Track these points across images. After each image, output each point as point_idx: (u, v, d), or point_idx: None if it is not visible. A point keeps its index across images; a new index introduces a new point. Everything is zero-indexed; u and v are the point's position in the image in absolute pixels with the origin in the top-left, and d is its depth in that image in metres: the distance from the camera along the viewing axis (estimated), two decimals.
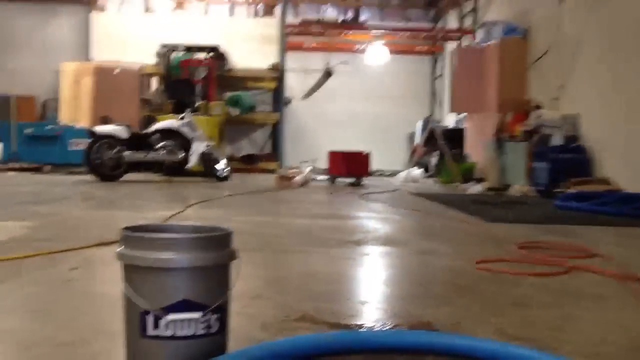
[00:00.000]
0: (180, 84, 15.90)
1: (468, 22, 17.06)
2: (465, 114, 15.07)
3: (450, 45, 18.30)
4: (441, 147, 13.46)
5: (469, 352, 2.27)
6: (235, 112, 17.17)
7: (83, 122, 17.23)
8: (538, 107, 11.39)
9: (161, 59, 17.63)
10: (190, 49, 16.97)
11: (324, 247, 4.39)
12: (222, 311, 2.19)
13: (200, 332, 2.13)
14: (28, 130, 14.31)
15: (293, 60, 20.86)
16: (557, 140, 10.47)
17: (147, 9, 20.49)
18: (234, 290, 2.32)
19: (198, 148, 11.93)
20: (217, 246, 2.20)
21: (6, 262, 3.92)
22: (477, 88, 13.76)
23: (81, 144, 13.33)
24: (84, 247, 4.44)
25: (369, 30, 21.30)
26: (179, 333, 2.11)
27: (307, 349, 2.34)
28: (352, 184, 12.35)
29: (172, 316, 2.09)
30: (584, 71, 10.67)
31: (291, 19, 21.23)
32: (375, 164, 14.99)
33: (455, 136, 15.06)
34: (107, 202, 7.97)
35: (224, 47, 18.14)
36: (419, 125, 18.45)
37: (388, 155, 19.82)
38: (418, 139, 17.57)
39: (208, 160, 12.13)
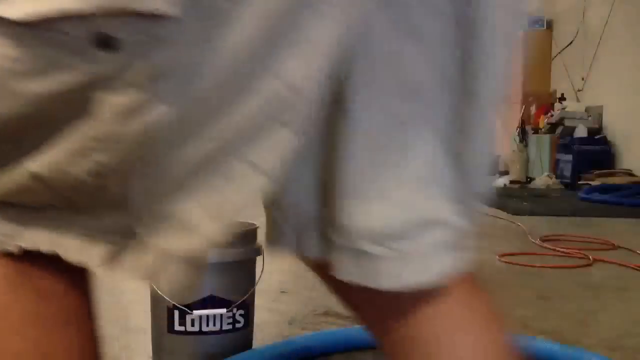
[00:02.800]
0: None
1: None
2: None
3: None
4: None
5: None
6: None
7: None
8: (562, 98, 11.33)
9: None
10: None
11: None
12: (247, 306, 2.22)
13: (226, 327, 2.16)
14: None
15: None
16: (581, 132, 10.40)
17: None
18: (261, 285, 2.35)
19: None
20: (243, 241, 2.23)
21: None
22: None
23: None
24: None
25: None
26: (205, 328, 2.14)
27: (334, 344, 2.37)
28: None
29: (198, 312, 2.12)
30: (608, 63, 10.58)
31: None
32: None
33: None
34: None
35: None
36: None
37: None
38: None
39: None
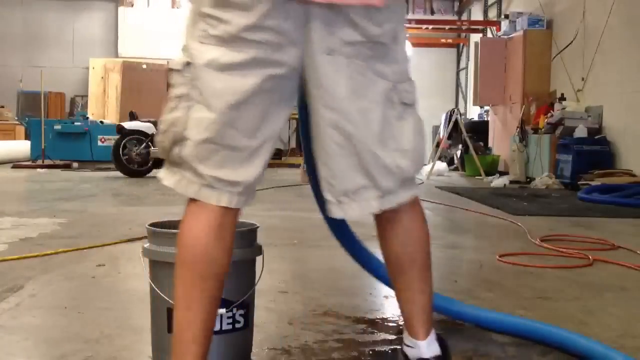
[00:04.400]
0: None
1: (492, 14, 16.97)
2: (489, 106, 14.99)
3: (475, 37, 18.21)
4: (465, 140, 13.39)
5: None
6: None
7: (110, 119, 17.32)
8: (562, 98, 11.33)
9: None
10: None
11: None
12: (247, 307, 2.23)
13: (226, 327, 2.17)
14: (57, 127, 14.36)
15: None
16: (581, 132, 10.40)
17: (174, 4, 20.52)
18: (261, 285, 2.35)
19: None
20: (243, 241, 2.23)
21: (36, 258, 3.98)
22: (501, 80, 13.70)
23: (109, 140, 13.41)
24: (112, 244, 4.50)
25: None
26: None
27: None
28: None
29: None
30: (608, 63, 10.58)
31: None
32: None
33: (479, 129, 14.99)
34: (135, 198, 8.03)
35: None
36: (443, 118, 18.39)
37: None
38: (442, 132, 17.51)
39: None
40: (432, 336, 1.99)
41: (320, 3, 1.63)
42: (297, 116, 2.18)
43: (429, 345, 1.97)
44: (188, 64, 1.68)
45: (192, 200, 1.74)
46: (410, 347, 2.00)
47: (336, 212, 1.84)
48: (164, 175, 1.78)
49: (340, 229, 2.59)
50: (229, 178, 1.71)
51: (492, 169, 13.03)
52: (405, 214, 1.92)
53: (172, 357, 1.74)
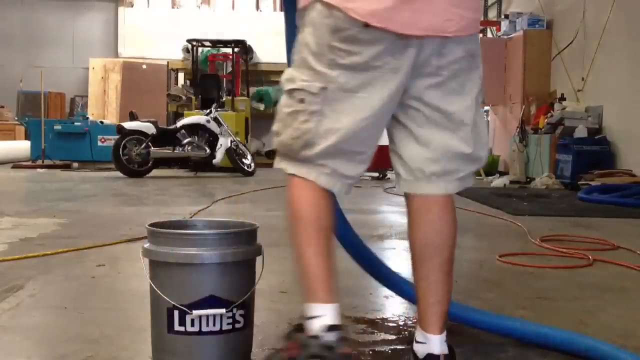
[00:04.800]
0: (206, 79, 15.85)
1: (492, 14, 16.97)
2: (489, 106, 14.99)
3: None
4: None
5: None
6: (260, 106, 17.15)
7: (110, 119, 17.31)
8: (562, 98, 11.33)
9: (188, 54, 17.59)
10: (216, 44, 16.94)
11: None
12: (247, 307, 2.23)
13: (226, 327, 2.17)
14: (57, 127, 14.35)
15: None
16: (581, 132, 10.40)
17: (174, 5, 20.51)
18: (261, 285, 2.35)
19: (224, 143, 11.95)
20: (243, 242, 2.23)
21: (36, 258, 3.98)
22: (501, 80, 13.70)
23: (109, 140, 13.41)
24: (112, 244, 4.50)
25: None
26: (205, 329, 2.14)
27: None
28: (376, 178, 12.34)
29: (198, 312, 2.12)
30: (607, 63, 10.58)
31: None
32: None
33: None
34: (135, 198, 8.03)
35: (251, 42, 18.04)
36: None
37: None
38: None
39: (234, 155, 12.15)
40: (444, 337, 2.09)
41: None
42: None
43: (441, 342, 2.08)
44: (324, 88, 2.03)
45: (300, 181, 2.10)
46: (422, 342, 2.10)
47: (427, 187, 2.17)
48: (286, 166, 2.13)
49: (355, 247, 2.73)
50: (344, 172, 2.10)
51: (492, 169, 13.02)
52: (437, 205, 2.17)
53: (310, 296, 2.03)
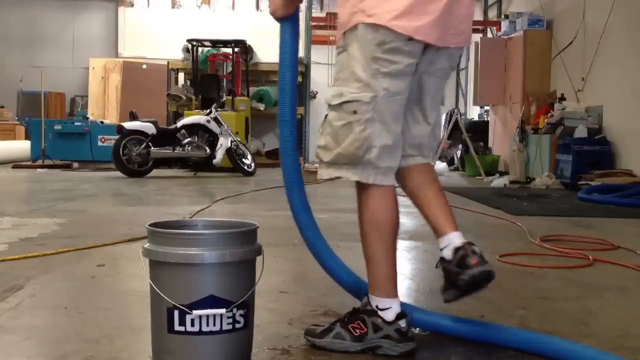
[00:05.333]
0: (206, 79, 15.82)
1: (492, 14, 16.97)
2: (489, 106, 14.99)
3: (475, 37, 18.22)
4: (465, 140, 13.38)
5: None
6: (260, 106, 17.13)
7: (110, 119, 17.31)
8: (562, 98, 11.32)
9: (188, 54, 17.56)
10: (216, 44, 16.91)
11: (348, 242, 4.41)
12: (247, 307, 2.23)
13: (226, 327, 2.17)
14: (57, 127, 14.34)
15: (318, 54, 20.80)
16: (581, 132, 10.39)
17: (174, 5, 20.51)
18: (261, 285, 2.35)
19: (224, 143, 11.93)
20: (243, 242, 2.23)
21: (36, 258, 3.98)
22: (502, 80, 13.70)
23: (109, 140, 13.41)
24: (112, 244, 4.50)
25: None
26: (205, 329, 2.14)
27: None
28: None
29: (198, 312, 2.12)
30: (608, 63, 10.58)
31: (317, 12, 21.16)
32: None
33: (479, 129, 14.97)
34: (135, 198, 8.03)
35: (251, 42, 18.01)
36: (443, 118, 18.38)
37: None
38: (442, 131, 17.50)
39: (234, 155, 12.14)
40: (461, 233, 2.49)
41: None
42: (298, 116, 2.27)
43: (459, 236, 2.47)
44: (374, 97, 2.35)
45: (373, 187, 2.43)
46: (445, 247, 2.46)
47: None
48: (349, 174, 2.43)
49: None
50: (393, 165, 2.46)
51: (492, 169, 13.02)
52: (422, 166, 2.63)
53: (382, 291, 2.45)
